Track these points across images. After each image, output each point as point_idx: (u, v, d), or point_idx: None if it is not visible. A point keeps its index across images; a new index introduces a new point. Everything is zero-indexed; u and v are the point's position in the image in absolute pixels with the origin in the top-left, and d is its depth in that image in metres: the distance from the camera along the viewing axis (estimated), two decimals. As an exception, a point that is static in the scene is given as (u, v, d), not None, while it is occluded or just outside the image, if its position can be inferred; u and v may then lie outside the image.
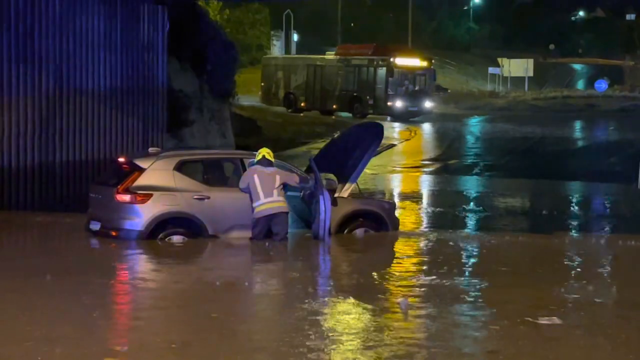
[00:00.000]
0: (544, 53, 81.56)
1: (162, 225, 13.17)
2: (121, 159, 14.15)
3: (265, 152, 13.62)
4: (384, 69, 45.34)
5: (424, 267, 12.60)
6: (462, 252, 14.04)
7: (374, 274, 11.58)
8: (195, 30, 24.03)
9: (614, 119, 46.92)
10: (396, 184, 24.91)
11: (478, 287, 11.01)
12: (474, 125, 46.04)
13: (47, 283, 10.73)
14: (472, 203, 20.84)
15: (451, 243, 14.54)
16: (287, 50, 67.30)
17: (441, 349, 8.21)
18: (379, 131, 14.94)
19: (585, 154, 32.73)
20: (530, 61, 66.61)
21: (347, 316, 9.42)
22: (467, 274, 12.11)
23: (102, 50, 18.66)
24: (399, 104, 45.00)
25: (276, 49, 67.64)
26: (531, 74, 66.19)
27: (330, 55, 49.30)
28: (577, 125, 46.01)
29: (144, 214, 13.07)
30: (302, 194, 13.98)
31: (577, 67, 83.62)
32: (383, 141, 14.99)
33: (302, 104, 48.60)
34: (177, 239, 13.25)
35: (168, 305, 9.93)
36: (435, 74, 47.71)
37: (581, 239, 16.24)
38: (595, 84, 61.09)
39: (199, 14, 25.54)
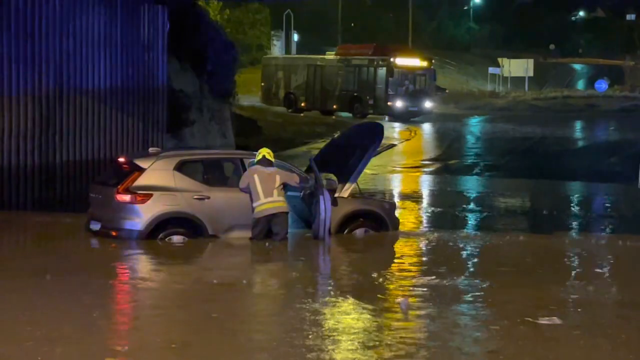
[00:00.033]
0: (544, 53, 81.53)
1: (162, 225, 13.17)
2: (121, 159, 14.15)
3: (265, 152, 13.62)
4: (384, 69, 45.34)
5: (424, 267, 12.61)
6: (462, 252, 14.04)
7: (374, 274, 11.58)
8: (195, 30, 24.03)
9: (614, 119, 46.92)
10: (396, 184, 24.90)
11: (478, 287, 11.02)
12: (474, 125, 46.04)
13: (47, 283, 10.73)
14: (472, 203, 20.84)
15: (451, 243, 14.54)
16: (288, 50, 67.29)
17: (441, 349, 8.21)
18: (379, 131, 14.94)
19: (585, 154, 32.71)
20: (531, 61, 66.60)
21: (347, 316, 9.42)
22: (467, 274, 12.11)
23: (102, 50, 18.66)
24: (399, 104, 45.00)
25: (276, 49, 67.64)
26: (531, 74, 66.18)
27: (330, 55, 49.30)
28: (578, 125, 46.01)
29: (144, 214, 13.07)
30: (302, 194, 13.98)
31: (578, 67, 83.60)
32: (383, 141, 14.98)
33: (303, 104, 48.60)
34: (177, 239, 13.25)
35: (168, 305, 9.93)
36: (436, 74, 47.69)
37: (581, 239, 16.22)
38: (595, 84, 61.11)
39: (199, 14, 25.54)
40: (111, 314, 9.61)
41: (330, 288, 10.90)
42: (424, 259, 13.58)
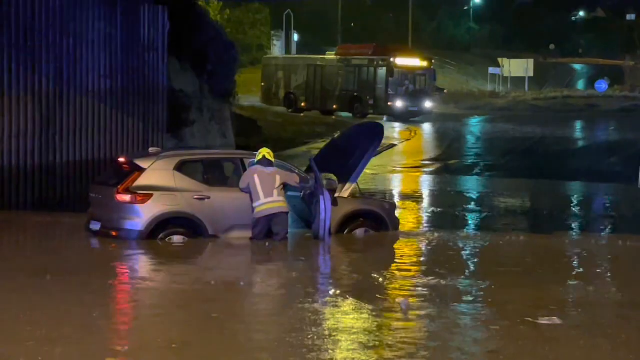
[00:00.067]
0: (544, 53, 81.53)
1: (163, 225, 13.18)
2: (121, 159, 14.16)
3: (265, 152, 13.62)
4: (384, 69, 45.33)
5: (424, 267, 12.62)
6: (462, 252, 14.04)
7: (374, 274, 11.58)
8: (195, 30, 24.02)
9: (614, 119, 46.92)
10: (396, 184, 24.90)
11: (478, 287, 11.02)
12: (474, 125, 46.04)
13: (47, 283, 10.73)
14: (472, 203, 20.84)
15: (451, 243, 14.54)
16: (288, 50, 67.30)
17: (441, 349, 8.21)
18: (379, 131, 14.94)
19: (585, 154, 32.71)
20: (531, 61, 66.59)
21: (347, 316, 9.43)
22: (467, 274, 12.11)
23: (102, 50, 18.65)
24: (399, 104, 44.99)
25: (276, 49, 67.65)
26: (531, 74, 66.17)
27: (330, 55, 49.29)
28: (578, 125, 46.01)
29: (144, 214, 13.07)
30: (302, 194, 13.98)
31: (578, 67, 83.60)
32: (383, 141, 14.98)
33: (303, 104, 48.60)
34: (177, 239, 13.26)
35: (168, 305, 9.94)
36: (436, 74, 47.67)
37: (581, 239, 16.23)
38: (595, 84, 61.11)
39: (199, 14, 25.54)
40: (111, 314, 9.61)
41: (330, 288, 10.90)
42: (424, 259, 13.58)
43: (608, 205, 21.49)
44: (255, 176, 13.33)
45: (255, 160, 13.56)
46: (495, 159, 30.81)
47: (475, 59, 78.97)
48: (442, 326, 9.01)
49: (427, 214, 19.06)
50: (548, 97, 59.96)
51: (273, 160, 13.63)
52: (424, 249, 14.37)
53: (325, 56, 49.70)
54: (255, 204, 13.33)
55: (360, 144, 14.41)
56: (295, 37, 68.67)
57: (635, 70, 75.88)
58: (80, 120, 18.28)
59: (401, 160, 30.32)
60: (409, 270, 12.31)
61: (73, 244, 13.88)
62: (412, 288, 11.00)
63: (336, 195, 13.96)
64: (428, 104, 46.39)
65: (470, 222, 18.11)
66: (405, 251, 14.05)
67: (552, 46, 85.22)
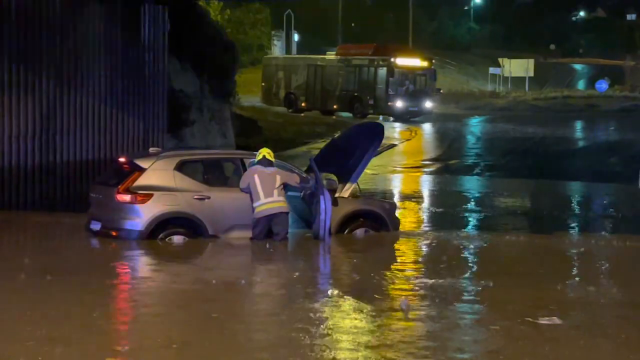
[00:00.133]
0: (544, 53, 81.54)
1: (163, 225, 13.17)
2: (122, 159, 14.16)
3: (265, 152, 13.63)
4: (385, 69, 45.33)
5: (424, 267, 12.62)
6: (462, 252, 14.04)
7: (374, 274, 11.58)
8: (195, 31, 24.03)
9: (614, 119, 46.93)
10: (397, 184, 24.91)
11: (478, 287, 11.01)
12: (475, 125, 46.04)
13: (47, 283, 10.73)
14: (472, 203, 20.84)
15: (451, 243, 14.55)
16: (288, 50, 67.34)
17: (441, 349, 8.21)
18: (379, 131, 14.94)
19: (585, 154, 32.71)
20: (531, 61, 66.59)
21: (347, 316, 9.42)
22: (467, 274, 12.11)
23: (102, 50, 18.66)
24: (399, 104, 44.99)
25: (277, 49, 67.68)
26: (532, 74, 66.17)
27: (330, 55, 49.31)
28: (578, 125, 46.01)
29: (145, 214, 13.07)
30: (302, 194, 13.98)
31: (578, 67, 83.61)
32: (383, 141, 14.98)
33: (303, 104, 48.61)
34: (177, 239, 13.26)
35: (168, 305, 9.94)
36: (436, 74, 47.66)
37: (581, 239, 16.23)
38: (595, 84, 61.12)
39: (199, 14, 25.56)
40: (111, 314, 9.61)
41: (330, 288, 10.90)
42: (424, 259, 13.58)
43: (608, 205, 21.48)
44: (256, 176, 13.33)
45: (256, 160, 13.57)
46: (496, 159, 30.81)
47: (476, 59, 78.99)
48: (442, 326, 9.01)
49: (428, 214, 19.06)
50: (548, 97, 59.95)
51: (273, 160, 13.63)
52: (424, 249, 14.38)
53: (326, 56, 49.71)
54: (255, 204, 13.34)
55: (360, 144, 14.41)
56: (296, 37, 68.71)
57: (636, 70, 75.91)
58: (80, 120, 18.28)
59: (401, 160, 30.32)
60: (409, 270, 12.31)
61: (73, 244, 13.88)
62: (412, 288, 11.01)
63: (336, 195, 13.96)
64: (428, 104, 46.39)
65: (470, 222, 18.11)
66: (405, 251, 14.05)
67: (552, 46, 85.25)
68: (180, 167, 13.46)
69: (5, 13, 16.87)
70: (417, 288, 10.98)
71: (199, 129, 23.69)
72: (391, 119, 44.52)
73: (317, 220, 13.48)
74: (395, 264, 13.01)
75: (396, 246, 14.28)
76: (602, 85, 59.59)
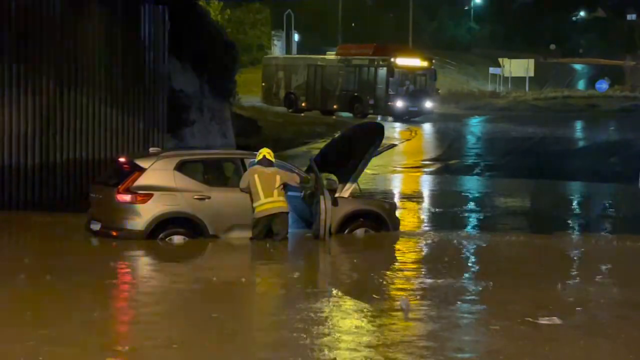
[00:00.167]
0: (544, 53, 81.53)
1: (163, 225, 13.18)
2: (122, 159, 14.17)
3: (265, 152, 13.63)
4: (385, 69, 45.31)
5: (424, 267, 12.61)
6: (462, 252, 14.04)
7: (374, 274, 11.58)
8: (196, 31, 24.02)
9: (614, 119, 46.92)
10: (397, 184, 24.90)
11: (478, 287, 11.02)
12: (475, 125, 46.03)
13: (47, 283, 10.73)
14: (472, 203, 20.83)
15: (451, 243, 14.54)
16: (288, 50, 67.31)
17: (441, 349, 8.21)
18: (379, 131, 14.94)
19: (585, 154, 32.70)
20: (531, 61, 66.56)
21: (347, 316, 9.43)
22: (467, 274, 12.12)
23: (102, 50, 18.65)
24: (399, 104, 44.97)
25: (277, 49, 67.66)
26: (532, 74, 66.14)
27: (330, 55, 49.29)
28: (578, 125, 46.01)
29: (145, 214, 13.07)
30: (302, 194, 13.98)
31: (578, 67, 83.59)
32: (383, 141, 14.97)
33: (303, 104, 48.60)
34: (177, 239, 13.26)
35: (168, 305, 9.94)
36: (436, 74, 47.65)
37: (581, 239, 16.23)
38: (596, 84, 61.13)
39: (199, 14, 25.53)
40: (111, 314, 9.62)
41: (330, 288, 10.90)
42: (424, 259, 13.57)
43: (608, 205, 21.48)
44: (256, 176, 13.33)
45: (256, 160, 13.57)
46: (496, 159, 30.79)
47: (476, 59, 78.97)
48: (442, 326, 9.01)
49: (428, 214, 19.05)
50: (548, 97, 59.94)
51: (273, 160, 13.64)
52: (424, 249, 14.37)
53: (326, 56, 49.70)
54: (255, 204, 13.34)
55: (360, 144, 14.41)
56: (296, 37, 68.69)
57: (636, 70, 75.87)
58: (80, 120, 18.27)
59: (401, 160, 30.29)
60: (409, 270, 12.31)
61: (73, 244, 13.87)
62: (412, 288, 11.01)
63: (336, 195, 13.96)
64: (428, 104, 46.37)
65: (470, 222, 18.10)
66: (405, 251, 14.04)
67: (552, 46, 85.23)
68: (181, 167, 13.46)
69: (5, 13, 16.86)
70: (417, 288, 10.98)
71: (199, 129, 23.68)
72: (390, 118, 44.50)
73: (317, 220, 13.48)
74: (395, 264, 13.02)
75: (396, 246, 14.28)
76: (602, 85, 59.59)
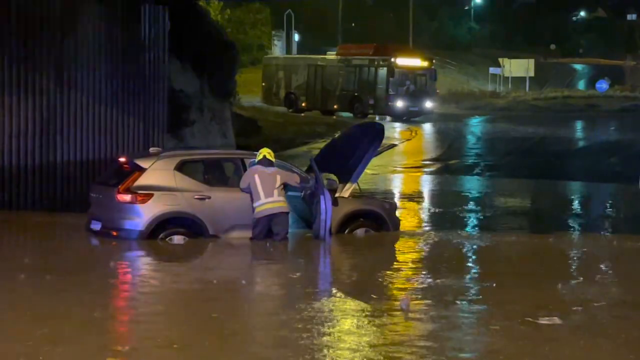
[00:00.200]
0: (544, 53, 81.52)
1: (163, 225, 13.18)
2: (122, 159, 14.16)
3: (266, 152, 13.62)
4: (385, 69, 45.34)
5: (425, 267, 12.61)
6: (462, 252, 14.04)
7: (374, 274, 11.58)
8: (196, 30, 24.02)
9: (614, 119, 46.95)
10: (397, 184, 24.91)
11: (478, 287, 11.02)
12: (475, 125, 46.04)
13: (47, 283, 10.73)
14: (472, 203, 20.84)
15: (451, 243, 14.54)
16: (288, 50, 67.33)
17: (441, 349, 8.21)
18: (379, 131, 14.95)
19: (585, 154, 32.71)
20: (531, 61, 66.56)
21: (347, 316, 9.43)
22: (467, 274, 12.11)
23: (103, 50, 18.65)
24: (399, 104, 45.00)
25: (277, 49, 67.67)
26: (532, 74, 66.13)
27: (331, 55, 49.32)
28: (578, 125, 46.02)
29: (145, 213, 13.08)
30: (302, 194, 13.98)
31: (578, 67, 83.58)
32: (384, 141, 14.98)
33: (303, 104, 48.62)
34: (177, 239, 13.26)
35: (168, 305, 9.94)
36: (436, 74, 47.67)
37: (581, 239, 16.23)
38: (596, 84, 61.12)
39: (199, 14, 25.54)
40: (111, 313, 9.61)
41: (330, 288, 10.90)
42: (424, 259, 13.57)
43: (608, 205, 21.48)
44: (256, 176, 13.33)
45: (256, 160, 13.57)
46: (496, 159, 30.81)
47: (476, 58, 78.95)
48: (442, 326, 9.01)
49: (428, 214, 19.06)
50: (548, 97, 59.95)
51: (273, 160, 13.63)
52: (424, 249, 14.37)
53: (326, 56, 49.73)
54: (255, 204, 13.33)
55: (360, 144, 14.41)
56: (296, 37, 68.70)
57: (636, 70, 75.93)
58: (80, 120, 18.27)
59: (402, 160, 30.32)
60: (409, 270, 12.32)
61: (73, 244, 13.88)
62: (412, 288, 11.01)
63: (336, 195, 13.96)
64: (429, 104, 46.39)
65: (470, 222, 18.11)
66: (406, 251, 14.05)
67: (552, 46, 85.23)
68: (181, 167, 13.47)
69: (5, 13, 16.85)
70: (417, 288, 10.98)
71: (199, 129, 23.69)
72: (388, 118, 44.48)
73: (317, 220, 13.48)
74: (395, 264, 13.02)
75: (396, 246, 14.28)
76: (603, 85, 59.59)
